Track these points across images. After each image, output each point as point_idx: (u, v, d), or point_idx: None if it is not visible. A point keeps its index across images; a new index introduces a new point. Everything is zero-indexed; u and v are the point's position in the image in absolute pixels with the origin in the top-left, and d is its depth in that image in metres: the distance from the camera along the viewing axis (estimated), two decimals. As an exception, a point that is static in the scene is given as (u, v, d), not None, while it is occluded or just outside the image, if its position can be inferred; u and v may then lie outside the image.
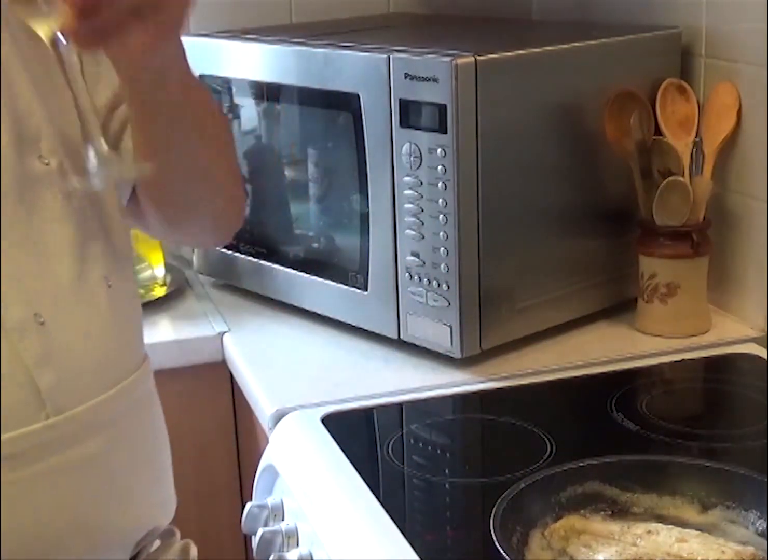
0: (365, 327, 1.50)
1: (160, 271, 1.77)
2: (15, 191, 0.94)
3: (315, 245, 1.58)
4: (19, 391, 0.92)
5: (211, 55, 1.62)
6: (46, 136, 0.98)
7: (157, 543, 1.10)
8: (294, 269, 1.59)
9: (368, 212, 1.44)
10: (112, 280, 1.01)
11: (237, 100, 1.63)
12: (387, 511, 1.07)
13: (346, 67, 1.42)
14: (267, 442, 1.31)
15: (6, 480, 0.90)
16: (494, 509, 1.00)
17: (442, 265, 1.36)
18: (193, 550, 1.13)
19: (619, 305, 1.55)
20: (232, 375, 1.57)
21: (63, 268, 0.97)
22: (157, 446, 1.07)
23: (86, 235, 1.00)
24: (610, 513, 1.05)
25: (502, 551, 0.94)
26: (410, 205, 1.37)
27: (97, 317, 0.99)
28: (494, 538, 0.96)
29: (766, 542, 0.99)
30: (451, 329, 1.38)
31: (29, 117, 0.97)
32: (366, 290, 1.47)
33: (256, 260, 1.65)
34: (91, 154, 0.89)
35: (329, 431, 1.25)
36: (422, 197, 1.36)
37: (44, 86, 0.99)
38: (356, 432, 1.31)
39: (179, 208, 1.10)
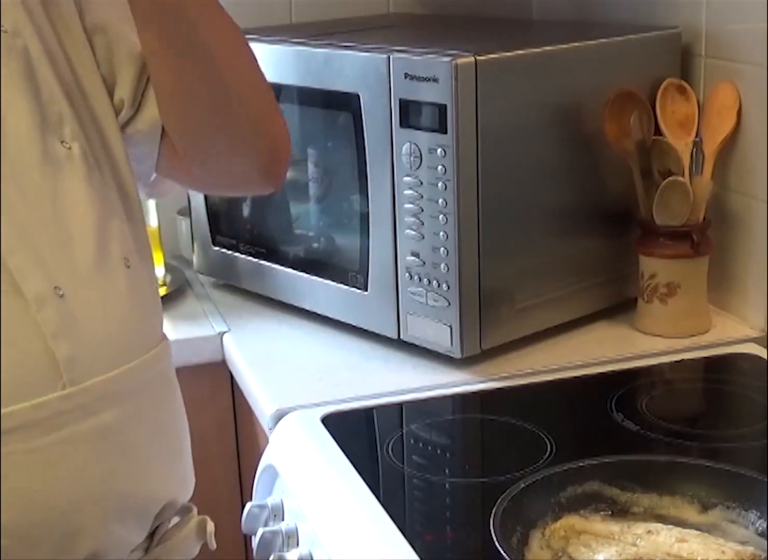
0: (365, 327, 1.50)
1: (160, 271, 1.77)
2: (39, 171, 0.98)
3: (315, 245, 1.58)
4: (36, 361, 0.94)
5: (211, 55, 1.62)
6: (67, 121, 1.01)
7: (175, 519, 1.11)
8: (294, 269, 1.59)
9: (368, 212, 1.44)
10: (132, 262, 1.04)
11: (237, 100, 1.63)
12: (387, 511, 1.07)
13: (346, 67, 1.42)
14: (267, 442, 1.31)
15: (22, 448, 0.92)
16: (494, 509, 1.00)
17: (442, 265, 1.36)
18: (210, 525, 1.14)
19: (619, 305, 1.55)
20: (232, 375, 1.57)
21: (84, 246, 0.99)
22: (173, 424, 1.09)
23: (107, 216, 1.02)
24: (610, 513, 1.05)
25: (502, 551, 0.94)
26: (410, 205, 1.38)
27: (116, 295, 1.01)
28: (494, 538, 0.96)
29: (766, 542, 0.99)
30: (451, 329, 1.38)
31: (52, 104, 1.00)
32: (366, 290, 1.47)
33: (256, 260, 1.65)
34: None
35: (329, 431, 1.25)
36: (422, 197, 1.36)
37: (66, 76, 1.03)
38: (356, 432, 1.31)
39: (201, 120, 1.08)
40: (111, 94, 1.08)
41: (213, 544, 1.14)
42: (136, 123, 1.09)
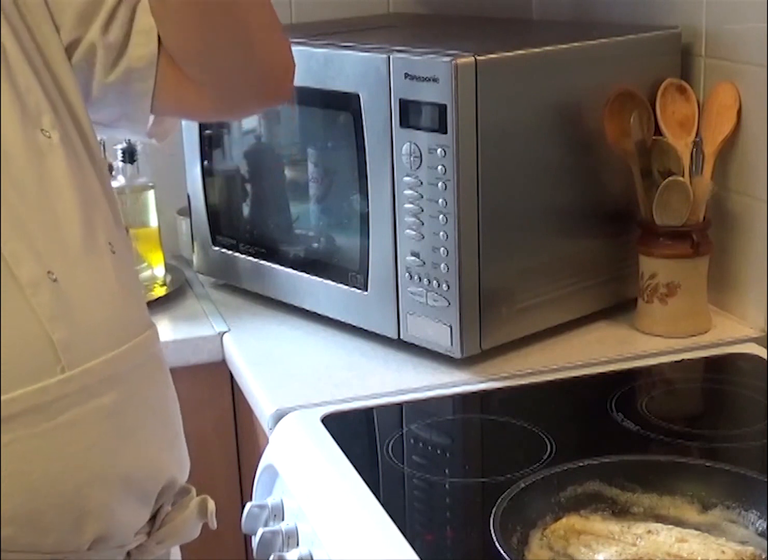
0: (365, 327, 1.50)
1: (160, 271, 1.77)
2: (25, 160, 0.99)
3: (315, 245, 1.58)
4: (35, 345, 0.95)
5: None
6: (45, 111, 1.02)
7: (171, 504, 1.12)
8: (294, 269, 1.59)
9: (368, 212, 1.44)
10: (116, 247, 1.05)
11: (237, 100, 1.63)
12: (387, 511, 1.07)
13: (346, 67, 1.42)
14: (267, 442, 1.31)
15: (26, 434, 0.93)
16: (494, 509, 1.00)
17: (442, 265, 1.36)
18: (211, 504, 1.14)
19: (619, 305, 1.55)
20: (232, 375, 1.57)
21: (72, 232, 1.00)
22: (167, 406, 1.10)
23: (90, 202, 1.04)
24: (610, 513, 1.05)
25: (502, 551, 0.94)
26: (410, 205, 1.38)
27: (105, 279, 1.03)
28: (494, 538, 0.96)
29: (766, 542, 0.99)
30: (451, 329, 1.38)
31: (29, 94, 1.01)
32: (366, 290, 1.47)
33: (256, 260, 1.65)
34: None
35: (329, 431, 1.25)
36: (422, 197, 1.36)
37: (39, 66, 1.03)
38: (356, 432, 1.31)
39: (213, 21, 1.09)
40: (75, 50, 1.07)
41: (214, 523, 1.14)
42: (130, 61, 1.09)
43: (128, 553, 1.05)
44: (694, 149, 1.48)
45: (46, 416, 0.94)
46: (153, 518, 1.08)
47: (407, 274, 1.41)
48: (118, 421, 1.00)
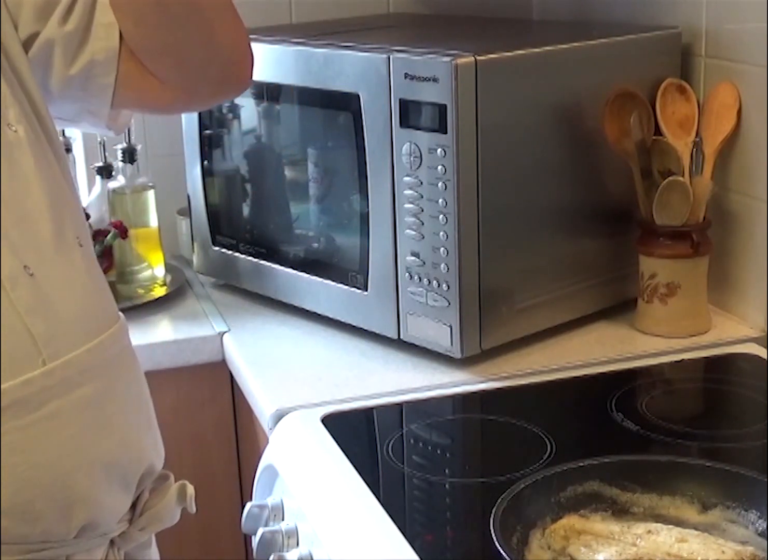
0: (365, 327, 1.50)
1: (160, 271, 1.77)
2: None
3: (315, 245, 1.58)
4: (16, 339, 0.96)
5: (211, 55, 1.62)
6: (10, 104, 1.02)
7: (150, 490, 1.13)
8: (294, 269, 1.59)
9: (368, 212, 1.44)
10: (83, 241, 1.06)
11: (237, 100, 1.63)
12: (387, 511, 1.07)
13: (346, 67, 1.42)
14: (267, 442, 1.31)
15: (15, 426, 0.94)
16: (494, 509, 1.00)
17: (442, 265, 1.36)
18: (190, 489, 1.15)
19: (619, 305, 1.55)
20: (232, 375, 1.57)
21: (44, 226, 1.01)
22: (141, 394, 1.11)
23: (57, 196, 1.04)
24: (610, 513, 1.05)
25: (502, 551, 0.94)
26: (410, 205, 1.38)
27: (76, 272, 1.04)
28: (494, 538, 0.96)
29: (766, 542, 0.99)
30: (451, 329, 1.38)
31: None
32: (366, 290, 1.47)
33: (256, 260, 1.65)
34: None
35: (329, 431, 1.25)
36: (422, 197, 1.36)
37: (1, 59, 1.03)
38: (356, 432, 1.31)
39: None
40: (31, 45, 1.07)
41: (193, 508, 1.15)
42: (92, 53, 1.09)
43: (111, 541, 1.06)
44: (694, 149, 1.48)
45: (30, 408, 0.95)
46: (134, 506, 1.09)
47: (407, 274, 1.41)
48: (99, 410, 1.01)
